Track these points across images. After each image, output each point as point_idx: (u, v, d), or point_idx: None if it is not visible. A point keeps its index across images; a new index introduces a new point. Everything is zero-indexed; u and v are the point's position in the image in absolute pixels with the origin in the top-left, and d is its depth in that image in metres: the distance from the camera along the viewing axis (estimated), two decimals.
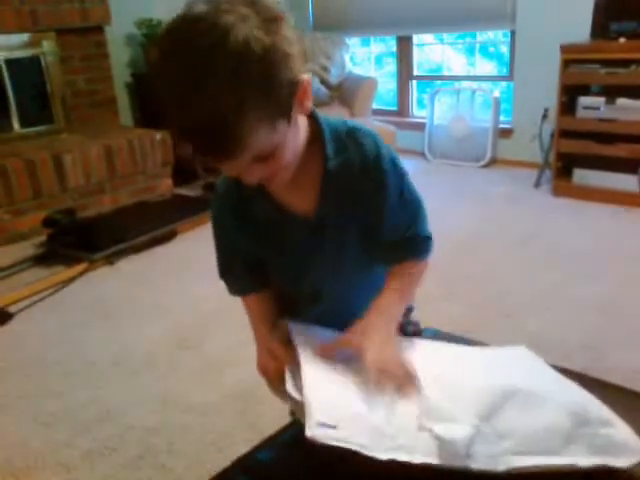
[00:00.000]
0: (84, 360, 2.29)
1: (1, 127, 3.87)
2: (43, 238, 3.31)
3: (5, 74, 3.80)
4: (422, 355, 0.96)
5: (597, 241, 3.08)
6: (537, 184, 3.96)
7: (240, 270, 1.07)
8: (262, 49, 0.69)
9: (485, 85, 4.65)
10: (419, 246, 1.05)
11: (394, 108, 5.17)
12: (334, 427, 0.78)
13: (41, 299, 2.80)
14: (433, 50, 5.14)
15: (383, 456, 0.76)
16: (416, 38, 4.96)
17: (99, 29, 4.15)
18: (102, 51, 4.23)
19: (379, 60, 5.46)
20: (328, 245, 0.99)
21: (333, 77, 4.67)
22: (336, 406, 0.82)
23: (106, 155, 3.80)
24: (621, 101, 3.41)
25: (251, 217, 0.98)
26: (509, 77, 4.48)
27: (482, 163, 4.50)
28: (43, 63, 3.99)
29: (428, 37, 5.02)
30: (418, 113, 5.12)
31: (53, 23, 3.87)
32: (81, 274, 3.02)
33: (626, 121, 3.40)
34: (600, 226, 3.28)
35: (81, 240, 3.19)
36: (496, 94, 4.51)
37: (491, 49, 4.95)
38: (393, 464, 0.76)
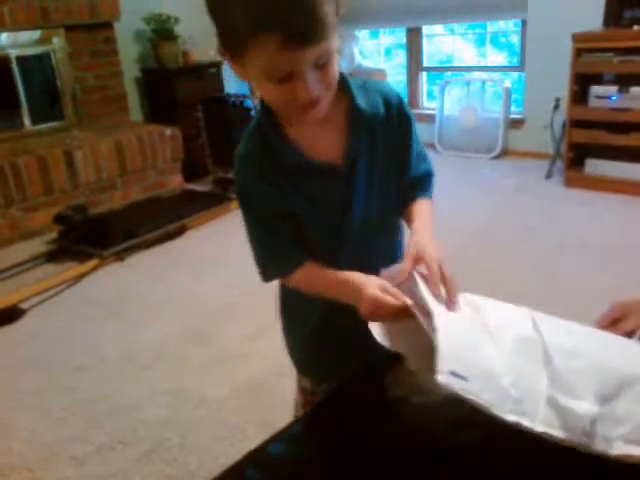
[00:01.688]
0: (96, 355, 2.30)
1: (12, 124, 3.89)
2: (55, 235, 3.33)
3: (16, 71, 3.82)
4: (549, 324, 0.94)
5: (608, 232, 3.04)
6: (548, 175, 3.92)
7: (286, 240, 1.00)
8: None
9: (496, 76, 4.60)
10: (431, 181, 1.11)
11: (404, 100, 5.14)
12: (465, 379, 0.76)
13: (53, 295, 2.82)
14: (443, 41, 5.09)
15: (509, 417, 0.76)
16: (426, 29, 4.93)
17: (108, 25, 4.15)
18: (111, 47, 4.24)
19: (388, 52, 5.43)
20: (357, 193, 0.99)
21: (343, 70, 4.65)
22: (469, 358, 0.81)
23: (117, 151, 3.82)
24: (635, 90, 3.37)
25: (279, 170, 0.95)
26: (520, 67, 4.43)
27: (493, 154, 4.47)
28: (53, 60, 4.00)
29: (438, 28, 4.98)
30: (428, 104, 5.08)
31: (63, 19, 3.88)
32: (92, 270, 3.03)
33: (639, 110, 3.35)
34: (612, 217, 3.25)
35: (92, 236, 3.21)
36: (507, 84, 4.46)
37: (502, 39, 4.90)
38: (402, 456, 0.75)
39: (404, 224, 1.11)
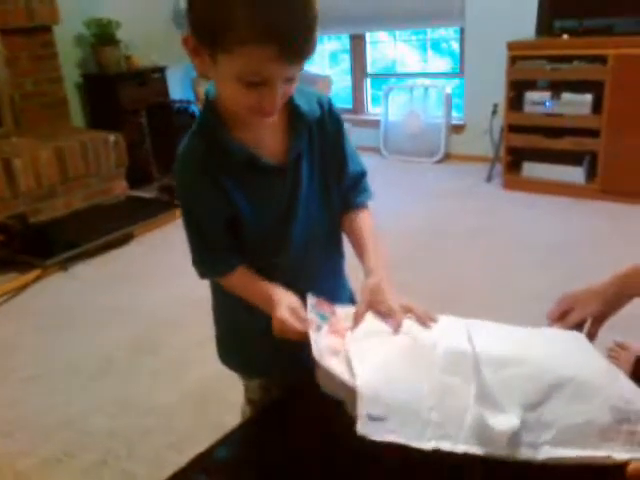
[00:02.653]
0: (41, 367, 2.25)
1: None
2: None
3: None
4: (485, 333, 0.96)
5: (547, 232, 3.18)
6: (489, 178, 4.07)
7: (221, 242, 1.01)
8: None
9: (438, 81, 4.73)
10: (366, 182, 1.14)
11: (349, 105, 5.22)
12: (383, 419, 0.79)
13: None
14: (386, 47, 5.20)
15: (428, 446, 0.78)
16: (369, 36, 5.02)
17: (47, 29, 4.04)
18: (51, 51, 4.13)
19: (334, 57, 5.50)
20: (301, 195, 1.02)
21: None
22: (388, 392, 0.82)
23: (58, 158, 3.72)
24: (566, 96, 3.54)
25: (223, 168, 0.96)
26: (460, 73, 4.57)
27: (436, 158, 4.59)
28: None
29: (381, 34, 5.08)
30: (373, 110, 5.18)
31: None
32: (34, 281, 2.96)
33: (571, 115, 3.52)
34: (549, 218, 3.40)
35: (34, 246, 3.13)
36: (448, 90, 4.59)
37: (444, 45, 5.04)
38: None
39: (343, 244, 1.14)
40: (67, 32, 4.23)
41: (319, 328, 0.93)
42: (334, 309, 1.01)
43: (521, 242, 3.08)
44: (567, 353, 0.96)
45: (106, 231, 3.37)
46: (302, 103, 0.99)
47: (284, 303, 0.97)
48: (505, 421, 0.80)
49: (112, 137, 4.00)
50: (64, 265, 3.08)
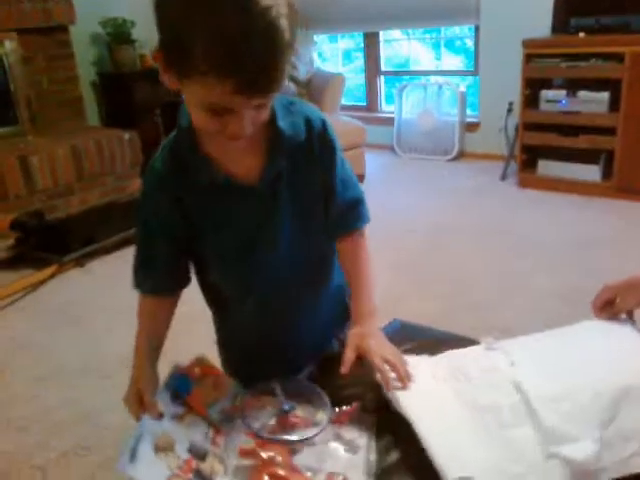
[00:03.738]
0: (56, 363, 2.27)
1: None
2: (11, 241, 3.26)
3: None
4: (529, 365, 0.93)
5: (562, 231, 3.16)
6: (503, 176, 4.04)
7: (161, 262, 1.00)
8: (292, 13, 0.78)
9: (452, 79, 4.72)
10: (361, 210, 1.07)
11: (363, 103, 5.21)
12: (473, 479, 0.78)
13: (10, 303, 2.77)
14: (400, 45, 5.19)
15: None
16: (383, 34, 5.01)
17: (63, 28, 4.08)
18: (67, 51, 4.17)
19: (348, 55, 5.49)
20: (281, 220, 0.97)
21: (301, 74, 4.69)
22: (466, 453, 0.81)
23: (74, 156, 3.76)
24: (582, 94, 3.50)
25: (190, 188, 0.93)
26: (475, 71, 4.55)
27: (450, 156, 4.57)
28: (6, 63, 3.92)
29: (395, 33, 5.07)
30: (387, 108, 5.17)
31: (15, 23, 3.80)
32: (51, 277, 2.99)
33: (587, 113, 3.49)
34: (564, 216, 3.37)
35: (50, 242, 3.16)
36: (462, 88, 4.58)
37: (457, 43, 5.02)
38: None
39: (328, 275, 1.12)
40: (83, 32, 4.28)
41: (162, 414, 0.93)
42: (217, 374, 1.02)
43: (536, 240, 3.06)
44: (618, 354, 0.95)
45: (121, 228, 3.38)
46: (286, 124, 0.93)
47: (135, 385, 1.00)
48: (582, 449, 0.79)
49: (127, 135, 4.03)
50: (80, 261, 3.11)
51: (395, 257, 2.82)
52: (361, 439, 0.90)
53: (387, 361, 0.94)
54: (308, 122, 0.96)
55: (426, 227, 3.31)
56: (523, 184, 3.85)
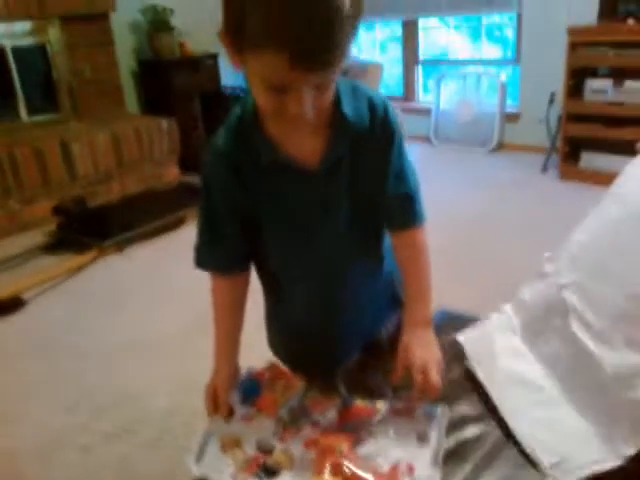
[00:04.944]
0: (98, 345, 2.32)
1: (8, 116, 3.87)
2: (53, 226, 3.33)
3: (11, 62, 3.80)
4: None
5: None
6: (544, 169, 3.96)
7: (227, 239, 0.99)
8: None
9: (491, 69, 4.63)
10: (413, 207, 1.04)
11: (400, 93, 5.16)
12: (561, 462, 0.82)
13: (53, 286, 2.83)
14: (439, 34, 5.11)
15: (628, 452, 0.81)
16: (421, 22, 4.94)
17: (104, 16, 4.13)
18: (107, 38, 4.22)
19: (384, 45, 5.44)
20: (330, 201, 0.96)
21: None
22: (552, 436, 0.86)
23: (113, 143, 3.81)
24: (629, 83, 3.40)
25: (253, 168, 0.93)
26: (515, 61, 4.46)
27: (489, 148, 4.50)
28: (49, 51, 3.98)
29: (433, 21, 4.99)
30: (424, 98, 5.11)
31: (59, 10, 3.86)
32: (92, 261, 3.04)
33: (634, 104, 3.39)
34: None
35: (91, 228, 3.22)
36: (502, 78, 4.49)
37: (497, 32, 4.92)
38: None
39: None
40: (123, 19, 4.32)
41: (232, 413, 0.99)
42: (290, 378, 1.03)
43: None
44: None
45: (159, 215, 3.43)
46: (350, 110, 0.91)
47: (213, 380, 1.05)
48: None
49: (165, 123, 4.07)
50: (120, 246, 3.16)
51: (433, 247, 2.79)
52: (430, 429, 0.90)
53: (421, 367, 0.95)
54: (372, 107, 0.94)
55: (464, 219, 3.26)
56: (565, 177, 3.76)
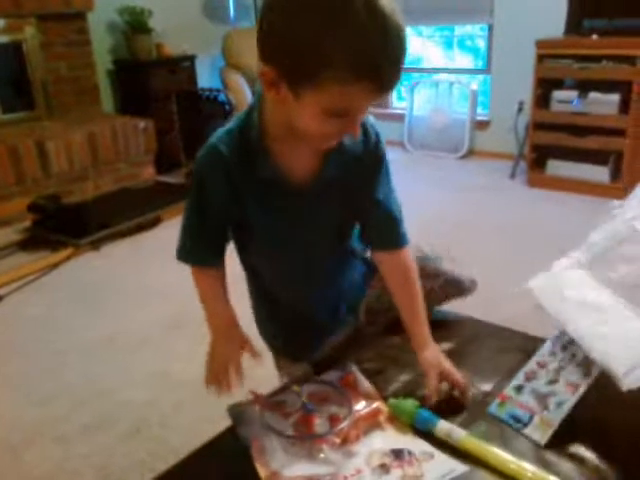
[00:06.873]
0: (75, 342, 2.33)
1: None
2: (27, 224, 3.32)
3: None
4: None
5: (570, 230, 3.19)
6: (512, 175, 4.09)
7: (212, 235, 1.04)
8: None
9: (463, 78, 4.76)
10: (400, 229, 1.11)
11: None
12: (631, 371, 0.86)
13: (28, 283, 2.83)
14: (412, 43, 5.22)
15: None
16: None
17: (81, 15, 4.13)
18: (84, 38, 4.21)
19: None
20: (315, 217, 1.03)
21: None
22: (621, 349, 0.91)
23: (89, 142, 3.81)
24: (593, 95, 3.55)
25: (248, 175, 0.97)
26: (486, 70, 4.59)
27: (460, 154, 4.62)
28: (24, 49, 3.96)
29: (408, 30, 5.09)
30: (398, 104, 5.21)
31: (35, 9, 3.85)
32: (67, 258, 3.05)
33: (597, 114, 3.54)
34: (573, 216, 3.41)
35: (67, 226, 3.22)
36: (473, 87, 4.62)
37: (468, 42, 5.05)
38: None
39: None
40: (100, 19, 4.31)
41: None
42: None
43: (544, 239, 3.10)
44: None
45: (135, 214, 3.45)
46: (347, 137, 0.96)
47: (221, 358, 1.17)
48: None
49: (142, 123, 4.08)
50: (96, 245, 3.17)
51: None
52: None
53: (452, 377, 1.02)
54: (365, 131, 1.00)
55: (436, 223, 3.35)
56: (532, 183, 3.89)
